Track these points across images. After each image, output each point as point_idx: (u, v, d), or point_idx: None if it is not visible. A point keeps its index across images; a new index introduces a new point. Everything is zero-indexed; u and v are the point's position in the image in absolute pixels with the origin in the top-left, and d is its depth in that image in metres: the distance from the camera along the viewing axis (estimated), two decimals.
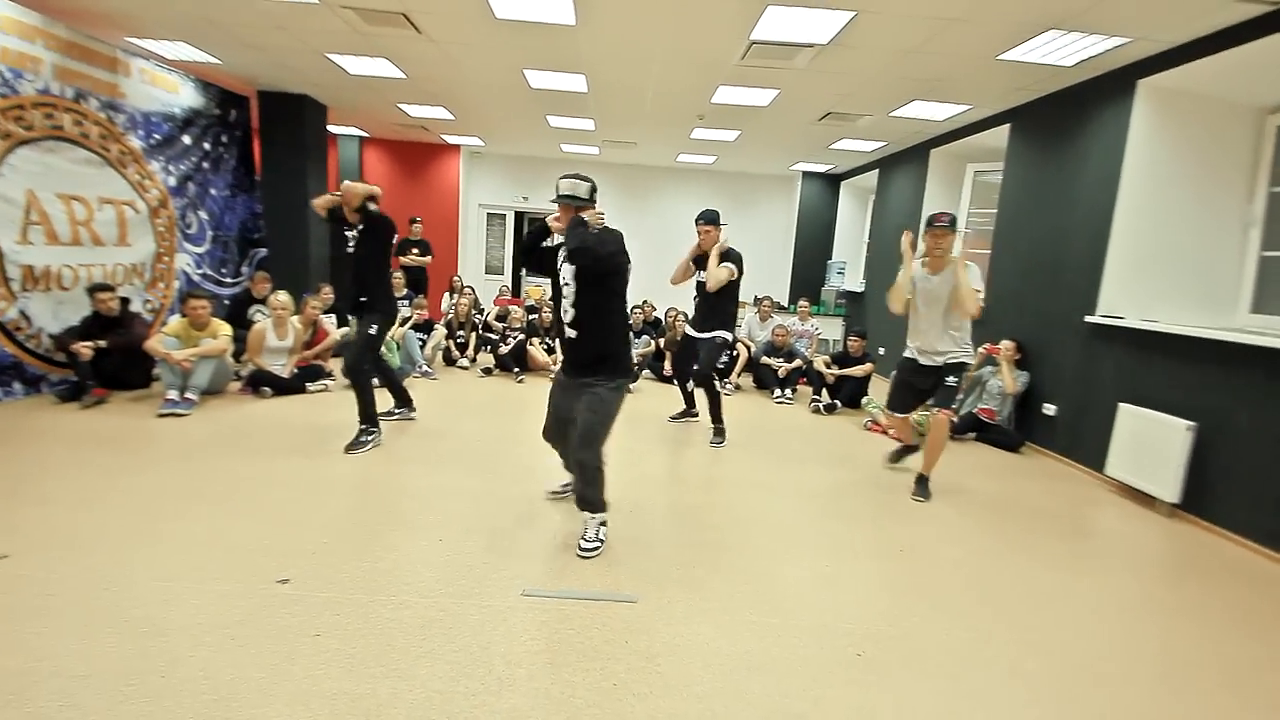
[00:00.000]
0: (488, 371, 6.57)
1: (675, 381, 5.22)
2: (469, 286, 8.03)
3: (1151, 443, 3.92)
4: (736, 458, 4.36)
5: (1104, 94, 4.59)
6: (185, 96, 6.24)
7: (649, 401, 5.90)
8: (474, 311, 7.49)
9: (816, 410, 5.83)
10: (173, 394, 4.41)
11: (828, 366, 6.08)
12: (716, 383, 4.63)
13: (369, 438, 3.90)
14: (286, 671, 1.86)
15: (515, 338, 6.72)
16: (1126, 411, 4.14)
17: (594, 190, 2.78)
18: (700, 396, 4.77)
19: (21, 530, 2.61)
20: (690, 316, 4.74)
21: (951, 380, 3.67)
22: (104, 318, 4.65)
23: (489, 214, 11.24)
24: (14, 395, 4.51)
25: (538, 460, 3.86)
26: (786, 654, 2.14)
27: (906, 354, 3.89)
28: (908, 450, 4.26)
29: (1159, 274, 4.36)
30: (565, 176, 2.75)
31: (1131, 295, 4.41)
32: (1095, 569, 3.06)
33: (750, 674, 2.02)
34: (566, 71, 5.64)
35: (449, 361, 6.90)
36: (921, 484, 3.78)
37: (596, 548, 2.75)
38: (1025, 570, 2.94)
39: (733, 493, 3.70)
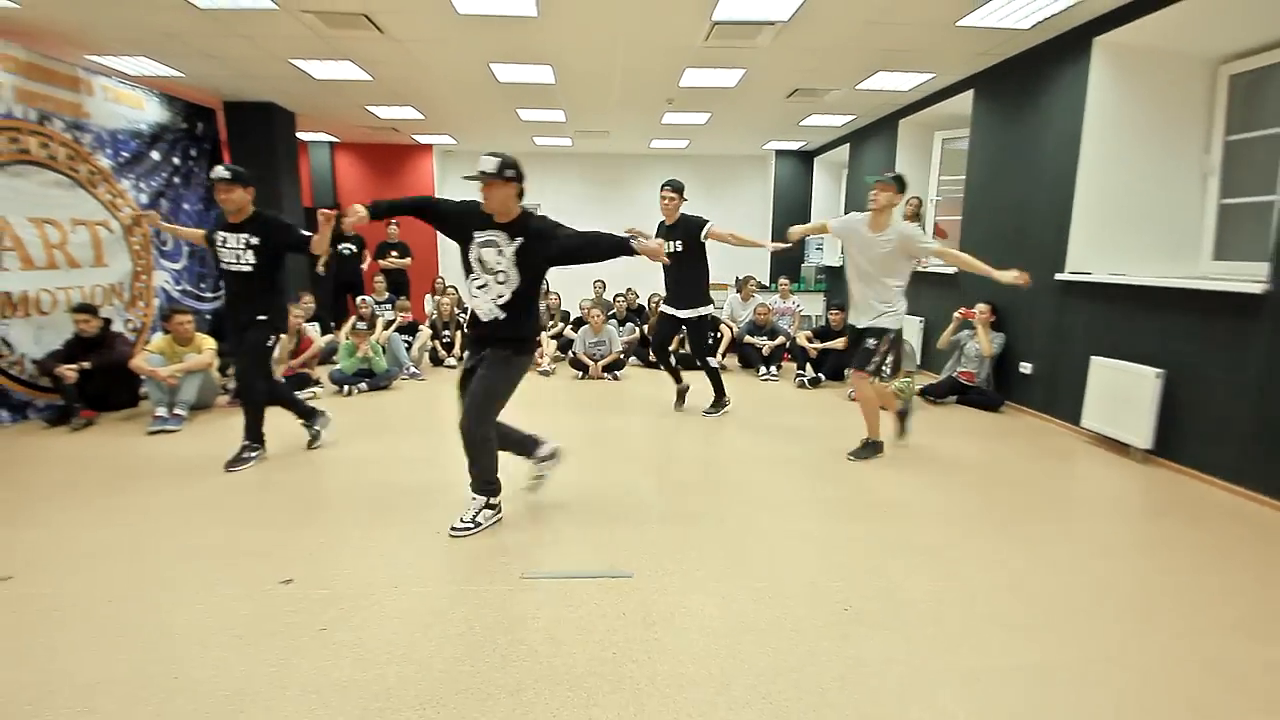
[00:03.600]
0: None
1: (660, 364, 5.08)
2: (451, 286, 8.04)
3: (1123, 392, 4.04)
4: (727, 435, 4.45)
5: (1062, 54, 4.67)
6: (151, 112, 6.18)
7: (638, 387, 5.98)
8: (458, 310, 7.50)
9: (802, 385, 5.93)
10: (161, 411, 4.42)
11: (810, 341, 6.17)
12: (711, 359, 4.74)
13: (253, 454, 3.74)
14: (295, 665, 1.92)
15: None
16: (1098, 364, 4.26)
17: (504, 166, 2.68)
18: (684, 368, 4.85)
19: (22, 552, 2.64)
20: (666, 295, 4.73)
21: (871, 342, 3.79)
22: (85, 339, 4.64)
23: None
24: (2, 422, 4.50)
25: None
26: (779, 614, 2.22)
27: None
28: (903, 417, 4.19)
29: (1123, 228, 4.47)
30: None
31: (1098, 251, 4.52)
32: (1073, 516, 3.18)
33: (745, 635, 2.10)
34: (532, 63, 5.64)
35: (435, 361, 6.93)
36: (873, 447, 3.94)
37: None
38: (1006, 522, 3.05)
39: (723, 468, 3.78)
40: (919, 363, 5.80)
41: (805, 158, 10.10)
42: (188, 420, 4.52)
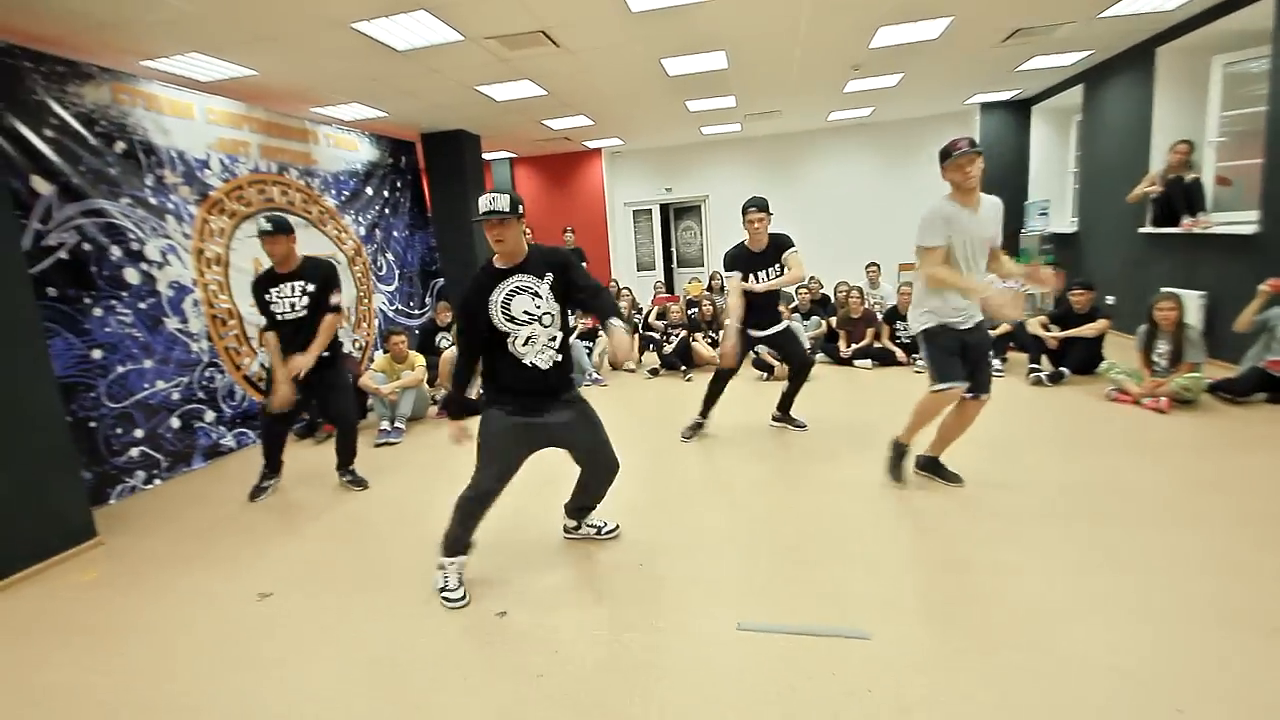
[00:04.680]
0: (654, 373, 6.50)
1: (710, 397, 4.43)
2: (625, 288, 8.06)
3: None
4: (958, 450, 3.80)
5: None
6: (363, 152, 6.88)
7: (831, 390, 5.45)
8: (633, 312, 7.48)
9: (1038, 381, 4.98)
10: (385, 425, 4.83)
11: (1046, 329, 5.17)
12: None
13: (362, 479, 3.95)
14: (518, 715, 1.83)
15: (677, 335, 6.58)
16: None
17: (517, 203, 2.34)
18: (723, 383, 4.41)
19: (276, 566, 2.92)
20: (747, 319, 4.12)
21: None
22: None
23: (634, 210, 11.27)
24: None
25: (726, 474, 3.66)
26: (1079, 709, 1.71)
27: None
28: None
29: None
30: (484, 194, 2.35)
31: None
32: None
33: None
34: (705, 51, 5.34)
35: (614, 365, 6.95)
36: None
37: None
38: None
39: (960, 495, 3.19)
40: (1207, 352, 4.54)
41: (1020, 108, 8.62)
42: (406, 432, 4.91)
